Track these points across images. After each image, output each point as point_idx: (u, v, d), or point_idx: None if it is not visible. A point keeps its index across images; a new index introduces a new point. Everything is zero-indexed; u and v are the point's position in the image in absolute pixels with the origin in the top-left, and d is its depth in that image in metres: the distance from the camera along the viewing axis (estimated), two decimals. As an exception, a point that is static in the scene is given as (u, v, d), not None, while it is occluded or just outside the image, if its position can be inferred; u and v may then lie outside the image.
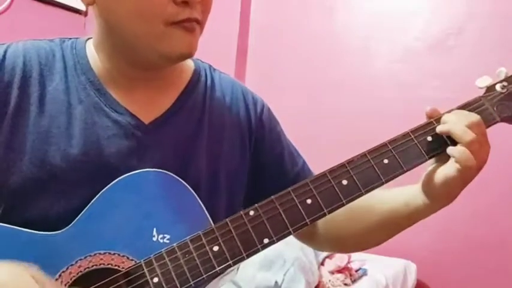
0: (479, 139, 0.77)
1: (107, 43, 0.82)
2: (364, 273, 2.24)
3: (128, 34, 0.77)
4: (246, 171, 0.94)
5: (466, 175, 0.77)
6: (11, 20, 2.36)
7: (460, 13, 2.53)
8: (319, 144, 2.60)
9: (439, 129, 0.80)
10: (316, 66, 2.87)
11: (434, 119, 0.82)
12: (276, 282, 1.89)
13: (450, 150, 0.78)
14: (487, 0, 2.48)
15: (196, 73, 0.92)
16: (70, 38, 0.88)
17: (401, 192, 0.87)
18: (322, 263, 2.19)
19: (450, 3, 2.57)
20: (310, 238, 0.99)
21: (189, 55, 0.80)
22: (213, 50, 2.41)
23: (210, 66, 0.97)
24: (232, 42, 3.00)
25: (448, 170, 0.78)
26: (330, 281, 2.12)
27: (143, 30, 0.76)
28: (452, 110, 0.83)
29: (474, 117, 0.79)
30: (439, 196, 0.81)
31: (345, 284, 2.13)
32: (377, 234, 0.92)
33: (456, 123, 0.78)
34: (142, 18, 0.75)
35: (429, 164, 0.83)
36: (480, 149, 0.77)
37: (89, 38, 0.87)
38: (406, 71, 2.64)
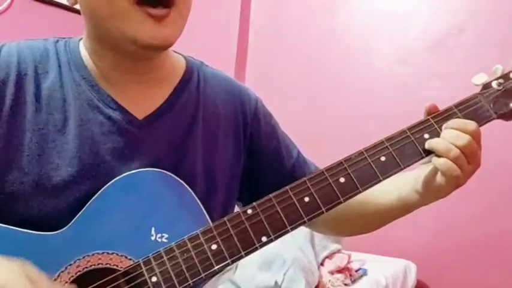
0: (466, 154, 0.78)
1: (91, 38, 0.83)
2: (364, 273, 2.24)
3: (98, 19, 0.77)
4: (241, 165, 0.95)
5: (453, 183, 0.79)
6: (11, 20, 2.35)
7: (460, 13, 2.53)
8: (319, 144, 2.59)
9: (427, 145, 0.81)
10: (316, 66, 2.87)
11: (431, 116, 0.82)
12: (276, 282, 1.89)
13: (434, 160, 0.79)
14: (487, 0, 2.48)
15: (189, 70, 0.93)
16: (64, 38, 0.88)
17: (395, 186, 0.88)
18: (322, 263, 2.20)
19: (450, 3, 2.57)
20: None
21: (161, 45, 0.78)
22: (213, 50, 2.42)
23: (202, 63, 0.98)
24: (232, 42, 3.00)
25: (438, 178, 0.80)
26: (329, 281, 2.12)
27: (108, 9, 0.74)
28: (450, 107, 0.83)
29: (463, 138, 0.79)
30: (431, 196, 0.84)
31: (345, 284, 2.12)
32: (372, 222, 0.95)
33: (440, 141, 0.79)
34: None
35: (423, 162, 0.84)
36: (467, 163, 0.79)
37: (82, 38, 0.88)
38: (406, 71, 2.64)
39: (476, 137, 0.79)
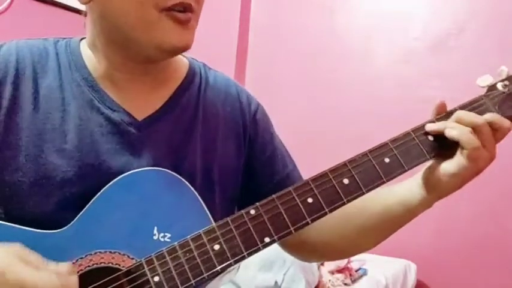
0: (483, 144, 0.76)
1: (103, 40, 0.82)
2: (364, 273, 2.24)
3: (123, 25, 0.77)
4: (241, 167, 0.94)
5: (475, 160, 0.76)
6: (11, 20, 2.35)
7: (460, 13, 2.53)
8: (318, 144, 2.60)
9: (448, 133, 0.78)
10: (316, 66, 2.87)
11: (436, 118, 0.81)
12: (276, 282, 1.89)
13: (448, 131, 0.77)
14: (487, 0, 2.48)
15: (191, 71, 0.93)
16: (64, 38, 0.88)
17: (396, 190, 0.86)
18: (322, 263, 2.20)
19: (450, 3, 2.57)
20: (299, 248, 0.98)
21: (184, 48, 0.80)
22: (213, 50, 2.42)
23: (205, 65, 0.98)
24: (232, 42, 3.00)
25: (458, 160, 0.77)
26: (330, 281, 2.12)
27: (136, 17, 0.76)
28: (454, 109, 0.82)
29: (479, 120, 0.77)
30: (445, 187, 0.80)
31: (345, 284, 2.13)
32: (371, 235, 0.91)
33: (463, 131, 0.76)
34: (134, 3, 0.75)
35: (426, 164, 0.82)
36: (485, 152, 0.77)
37: (82, 38, 0.88)
38: (406, 71, 2.64)
39: (494, 126, 0.77)
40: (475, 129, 0.76)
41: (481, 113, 0.80)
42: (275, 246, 0.94)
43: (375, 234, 0.90)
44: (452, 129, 0.77)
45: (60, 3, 2.55)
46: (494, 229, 2.40)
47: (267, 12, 3.06)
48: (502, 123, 0.77)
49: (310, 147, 2.49)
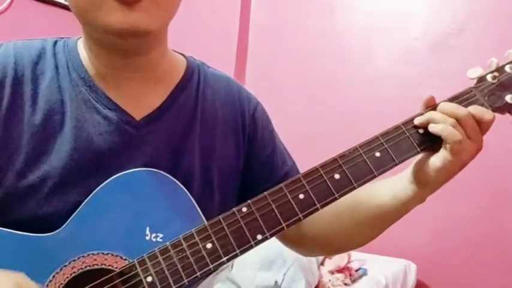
0: (468, 135, 0.77)
1: (84, 36, 0.82)
2: (364, 273, 2.24)
3: (80, 14, 0.76)
4: (241, 167, 0.94)
5: (458, 153, 0.76)
6: (11, 20, 2.36)
7: (460, 13, 2.53)
8: (318, 143, 2.59)
9: (431, 129, 0.79)
10: (316, 66, 2.87)
11: (426, 110, 0.81)
12: (276, 282, 1.89)
13: (432, 127, 0.78)
14: (487, 0, 2.47)
15: (189, 70, 0.92)
16: (62, 38, 0.88)
17: (387, 185, 0.86)
18: (322, 263, 2.20)
19: (450, 3, 2.57)
20: (298, 243, 0.98)
21: (130, 30, 0.73)
22: (213, 50, 2.42)
23: (204, 64, 0.97)
24: (232, 42, 3.00)
25: (441, 154, 0.77)
26: (329, 280, 2.12)
27: (86, 1, 0.73)
28: (443, 101, 0.82)
29: (462, 111, 0.78)
30: (434, 181, 0.80)
31: (345, 284, 2.13)
32: (366, 230, 0.91)
33: (445, 125, 0.77)
34: None
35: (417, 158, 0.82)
36: (471, 142, 0.77)
37: (80, 37, 0.87)
38: (406, 71, 2.63)
39: (475, 118, 0.78)
40: (459, 121, 0.77)
41: (469, 105, 0.80)
42: (275, 245, 0.94)
43: (370, 229, 0.91)
44: (435, 125, 0.78)
45: (60, 3, 2.56)
46: (494, 229, 2.39)
47: (267, 12, 3.06)
48: (483, 116, 0.78)
49: (310, 147, 2.48)
